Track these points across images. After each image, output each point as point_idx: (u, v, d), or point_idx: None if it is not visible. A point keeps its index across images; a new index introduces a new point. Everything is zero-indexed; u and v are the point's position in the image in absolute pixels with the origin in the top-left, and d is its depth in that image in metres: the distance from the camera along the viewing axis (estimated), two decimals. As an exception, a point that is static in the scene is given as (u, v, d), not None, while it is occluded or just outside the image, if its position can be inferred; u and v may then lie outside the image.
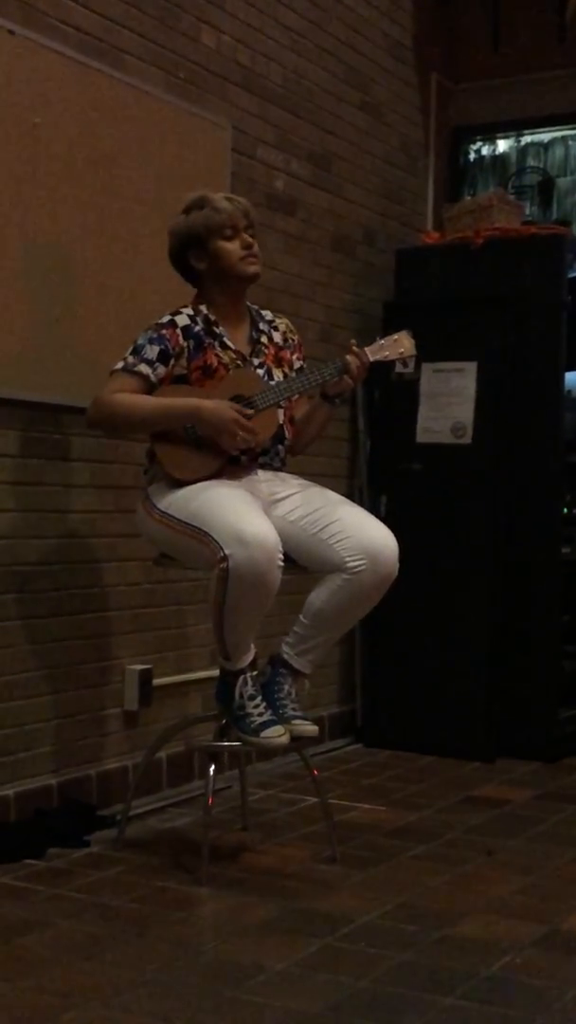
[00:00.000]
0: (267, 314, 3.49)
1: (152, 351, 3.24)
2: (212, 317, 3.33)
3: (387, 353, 3.32)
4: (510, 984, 2.56)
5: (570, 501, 4.93)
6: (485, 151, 6.09)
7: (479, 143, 6.08)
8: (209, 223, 3.30)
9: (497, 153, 6.07)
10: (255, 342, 3.38)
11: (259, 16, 4.46)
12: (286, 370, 3.40)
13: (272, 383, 3.31)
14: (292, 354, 3.46)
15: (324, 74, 4.88)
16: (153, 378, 3.24)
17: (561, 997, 2.50)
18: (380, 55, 5.30)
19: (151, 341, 3.26)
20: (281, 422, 3.34)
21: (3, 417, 3.44)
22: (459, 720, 4.80)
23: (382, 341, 3.34)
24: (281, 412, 3.34)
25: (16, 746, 3.48)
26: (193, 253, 3.33)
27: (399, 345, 3.32)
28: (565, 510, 4.89)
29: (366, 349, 3.31)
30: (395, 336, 3.33)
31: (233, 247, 3.31)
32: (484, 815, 3.94)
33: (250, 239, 3.34)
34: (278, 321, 3.49)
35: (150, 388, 3.24)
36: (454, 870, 3.34)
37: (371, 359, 3.30)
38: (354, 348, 3.30)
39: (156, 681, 3.95)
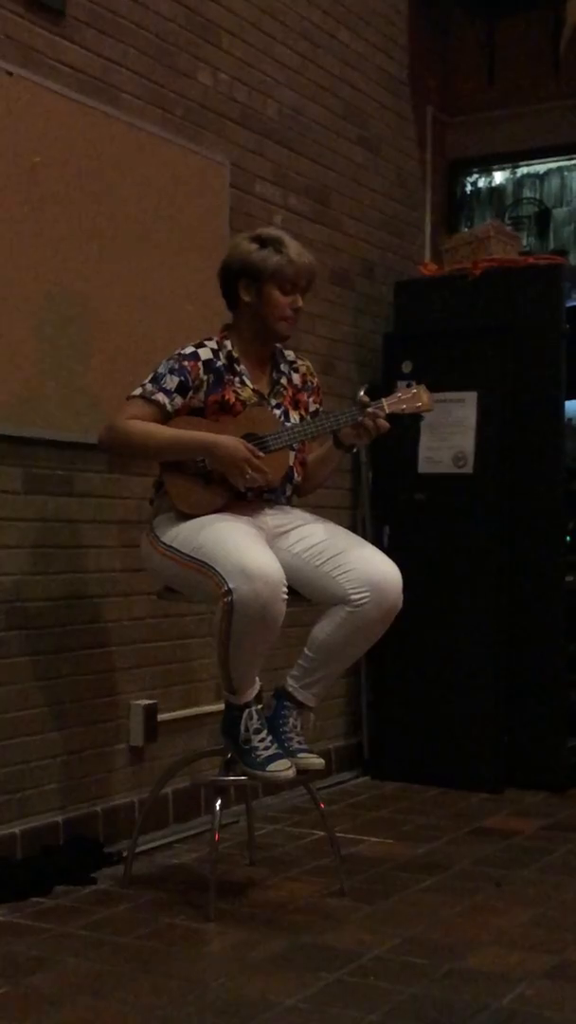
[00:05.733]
0: (290, 355, 3.49)
1: (172, 381, 3.25)
2: (235, 354, 3.33)
3: (404, 407, 3.30)
4: (521, 1016, 2.54)
5: (573, 529, 4.93)
6: (481, 183, 6.13)
7: (475, 175, 6.13)
8: (278, 270, 3.28)
9: (493, 185, 6.11)
10: (275, 383, 3.39)
11: (255, 53, 4.50)
12: (302, 412, 3.41)
13: (288, 424, 3.32)
14: (309, 396, 3.46)
15: (320, 110, 4.92)
16: (169, 408, 3.24)
17: (573, 1029, 2.48)
18: (376, 90, 5.34)
19: (172, 371, 3.26)
20: (291, 463, 3.35)
21: (8, 454, 3.45)
22: (466, 751, 4.78)
23: (400, 394, 3.32)
24: (292, 454, 3.35)
25: (22, 783, 3.48)
26: (244, 283, 3.32)
27: (416, 399, 3.30)
28: (568, 539, 4.89)
29: (383, 401, 3.29)
30: (414, 390, 3.31)
31: (284, 302, 3.30)
32: (493, 846, 3.92)
33: (300, 302, 3.34)
34: (300, 363, 3.49)
35: (165, 418, 3.24)
36: (463, 902, 3.32)
37: (388, 411, 3.28)
38: (369, 408, 3.26)
39: (161, 716, 3.95)
